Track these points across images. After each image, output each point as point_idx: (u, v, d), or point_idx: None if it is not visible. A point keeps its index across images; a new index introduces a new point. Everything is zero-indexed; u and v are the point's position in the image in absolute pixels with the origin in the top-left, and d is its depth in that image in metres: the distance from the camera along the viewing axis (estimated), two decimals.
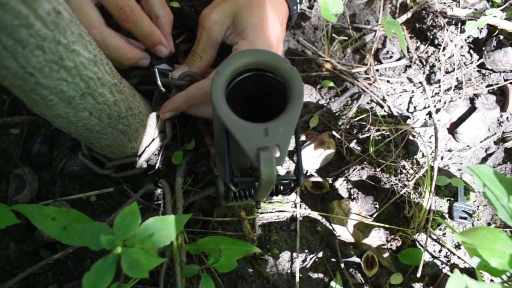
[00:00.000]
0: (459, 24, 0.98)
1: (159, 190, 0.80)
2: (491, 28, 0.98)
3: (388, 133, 0.87)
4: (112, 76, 0.61)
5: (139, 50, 0.75)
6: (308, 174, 0.86)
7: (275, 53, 0.49)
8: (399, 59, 0.98)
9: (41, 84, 0.50)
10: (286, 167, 0.86)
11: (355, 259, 0.81)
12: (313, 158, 0.83)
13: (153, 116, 0.78)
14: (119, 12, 0.69)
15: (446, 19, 0.97)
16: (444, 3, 1.02)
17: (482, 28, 0.98)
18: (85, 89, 0.56)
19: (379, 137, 0.88)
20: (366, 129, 0.87)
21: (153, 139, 0.78)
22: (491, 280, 0.80)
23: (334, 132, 0.86)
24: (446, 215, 0.86)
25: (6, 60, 0.45)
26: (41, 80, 0.49)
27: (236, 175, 0.55)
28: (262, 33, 0.69)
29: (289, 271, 0.80)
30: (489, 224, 0.87)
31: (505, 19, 0.95)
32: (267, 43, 0.69)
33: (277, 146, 0.45)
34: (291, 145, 0.83)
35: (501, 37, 0.96)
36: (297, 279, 0.79)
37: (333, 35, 0.95)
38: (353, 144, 0.87)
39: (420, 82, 0.95)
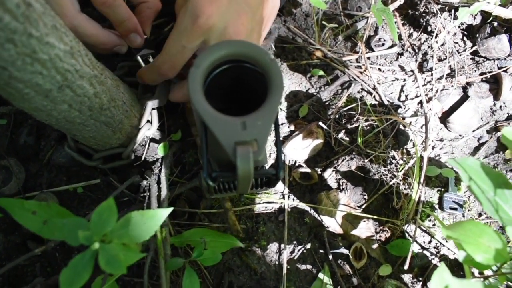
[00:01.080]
0: (453, 10, 0.96)
1: (145, 182, 0.79)
2: (485, 15, 0.96)
3: (377, 123, 0.85)
4: (92, 67, 0.60)
5: (115, 36, 0.72)
6: (296, 164, 0.85)
7: (254, 44, 0.47)
8: (391, 47, 0.96)
9: (15, 77, 0.49)
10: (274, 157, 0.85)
11: (344, 250, 0.81)
12: (302, 148, 0.82)
13: (140, 107, 0.77)
14: None
15: (439, 6, 0.95)
16: None
17: (475, 15, 0.96)
18: (62, 81, 0.54)
19: (368, 127, 0.87)
20: (355, 119, 0.85)
21: (139, 129, 0.77)
22: (480, 272, 0.79)
23: (321, 123, 0.85)
24: (436, 206, 0.85)
25: None
26: (14, 73, 0.48)
27: (215, 169, 0.54)
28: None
29: (276, 262, 0.80)
30: (480, 214, 0.86)
31: (500, 5, 0.93)
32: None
33: (255, 140, 0.44)
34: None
35: (495, 23, 0.94)
36: (285, 270, 0.78)
37: (323, 22, 0.93)
38: (341, 135, 0.86)
39: (412, 71, 0.93)
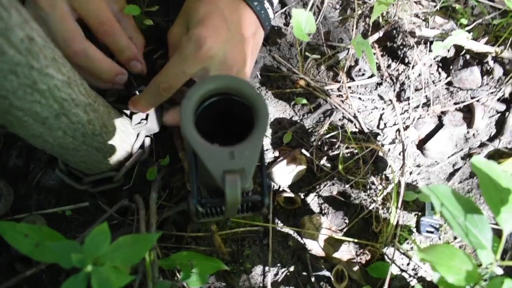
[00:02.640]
0: (428, 43, 1.02)
1: (133, 205, 0.81)
2: (458, 48, 1.02)
3: (357, 150, 0.90)
4: (86, 96, 0.63)
5: (116, 64, 0.76)
6: (280, 189, 0.88)
7: (241, 79, 0.51)
8: (370, 77, 1.01)
9: (15, 106, 0.51)
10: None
11: (326, 272, 0.84)
12: (286, 173, 0.86)
13: (130, 133, 0.79)
14: (99, 25, 0.71)
15: (415, 39, 1.01)
16: (414, 23, 1.05)
17: (449, 48, 1.02)
18: (59, 110, 0.57)
19: (349, 154, 0.91)
20: (337, 146, 0.89)
21: (131, 155, 0.79)
22: None
23: (304, 150, 0.89)
24: (414, 229, 0.89)
25: None
26: (15, 102, 0.51)
27: (204, 196, 0.57)
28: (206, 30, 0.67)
29: (261, 285, 0.82)
30: (455, 237, 0.90)
31: (472, 39, 0.99)
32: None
33: (242, 168, 0.47)
34: None
35: (468, 56, 1.00)
36: None
37: (307, 53, 0.98)
38: (323, 161, 0.89)
39: (390, 100, 0.98)
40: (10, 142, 0.92)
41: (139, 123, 0.80)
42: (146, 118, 0.80)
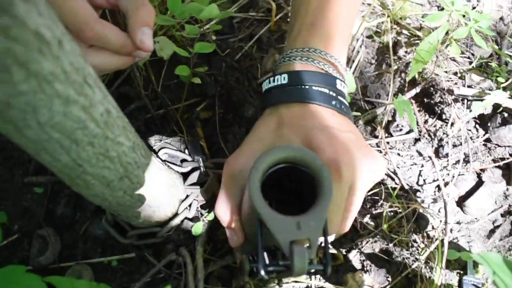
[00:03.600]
0: (465, 100, 1.04)
1: (180, 259, 0.83)
2: (496, 105, 1.03)
3: (400, 209, 0.91)
4: (145, 157, 0.66)
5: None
6: (322, 245, 0.89)
7: (306, 149, 0.53)
8: (408, 132, 1.03)
9: (87, 172, 0.54)
10: None
11: None
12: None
13: (180, 189, 0.83)
14: (80, 33, 0.61)
15: (453, 96, 1.03)
16: (451, 79, 1.08)
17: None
18: (123, 173, 0.60)
19: (392, 212, 0.92)
20: (380, 204, 0.90)
21: (177, 213, 0.82)
22: None
23: None
24: None
25: (59, 155, 0.49)
26: (87, 169, 0.54)
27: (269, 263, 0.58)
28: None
29: None
30: None
31: (509, 97, 1.01)
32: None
33: (308, 239, 0.48)
34: None
35: (506, 114, 1.01)
36: None
37: None
38: (366, 219, 0.90)
39: (429, 156, 0.99)
40: (57, 190, 0.96)
41: (192, 184, 0.83)
42: (200, 185, 0.83)
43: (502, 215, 0.98)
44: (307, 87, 0.65)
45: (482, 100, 0.97)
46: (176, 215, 0.82)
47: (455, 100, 1.03)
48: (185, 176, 0.85)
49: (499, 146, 1.02)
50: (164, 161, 0.81)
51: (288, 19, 1.15)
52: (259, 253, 0.52)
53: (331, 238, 0.72)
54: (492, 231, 0.96)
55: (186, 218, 0.85)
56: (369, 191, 0.94)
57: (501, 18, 1.28)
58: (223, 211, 0.63)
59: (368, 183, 0.61)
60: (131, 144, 0.59)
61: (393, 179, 0.97)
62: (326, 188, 0.51)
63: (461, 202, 0.97)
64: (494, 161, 1.01)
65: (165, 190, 0.77)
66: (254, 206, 0.49)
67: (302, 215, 0.49)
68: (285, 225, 0.48)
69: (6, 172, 0.97)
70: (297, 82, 0.66)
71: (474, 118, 1.04)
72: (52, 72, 0.39)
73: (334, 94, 0.66)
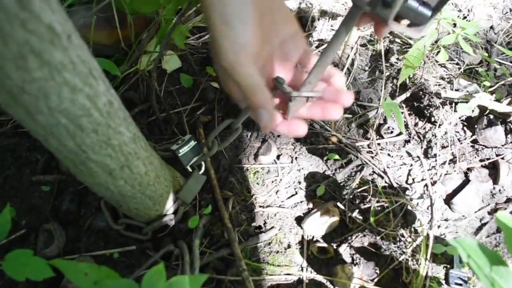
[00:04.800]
0: (453, 104, 1.08)
1: (177, 250, 0.87)
2: (482, 108, 1.08)
3: (387, 204, 0.95)
4: (145, 150, 0.71)
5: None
6: (314, 239, 0.93)
7: None
8: (398, 135, 1.08)
9: (90, 158, 0.60)
10: None
11: None
12: (319, 224, 0.91)
13: (175, 182, 0.87)
14: (248, 96, 0.59)
15: (441, 100, 1.08)
16: (440, 84, 1.13)
17: (474, 108, 1.08)
18: (124, 162, 0.65)
19: (379, 207, 0.96)
20: (368, 199, 0.95)
21: (177, 206, 0.87)
22: None
23: (338, 203, 0.95)
24: (443, 281, 0.92)
25: (66, 140, 0.55)
26: (91, 155, 0.59)
27: None
28: None
29: None
30: None
31: (495, 100, 1.06)
32: None
33: None
34: None
35: (491, 116, 1.06)
36: None
37: None
38: (355, 214, 0.95)
39: (418, 156, 1.04)
40: (62, 188, 1.01)
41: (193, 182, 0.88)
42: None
43: (489, 213, 1.01)
44: None
45: (467, 102, 1.01)
46: (175, 212, 0.87)
47: (443, 103, 1.08)
48: (185, 174, 0.90)
49: (486, 147, 1.06)
50: (164, 158, 0.86)
51: None
52: None
53: None
54: (479, 228, 1.00)
55: (184, 212, 0.89)
56: (358, 188, 0.98)
57: (491, 27, 1.33)
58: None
59: None
60: (131, 135, 0.64)
61: (382, 178, 1.01)
62: None
63: (448, 200, 1.01)
64: (481, 161, 1.05)
65: (164, 184, 0.81)
66: None
67: None
68: None
69: (16, 171, 1.02)
70: None
71: (462, 120, 1.09)
72: (61, 62, 0.45)
73: None
